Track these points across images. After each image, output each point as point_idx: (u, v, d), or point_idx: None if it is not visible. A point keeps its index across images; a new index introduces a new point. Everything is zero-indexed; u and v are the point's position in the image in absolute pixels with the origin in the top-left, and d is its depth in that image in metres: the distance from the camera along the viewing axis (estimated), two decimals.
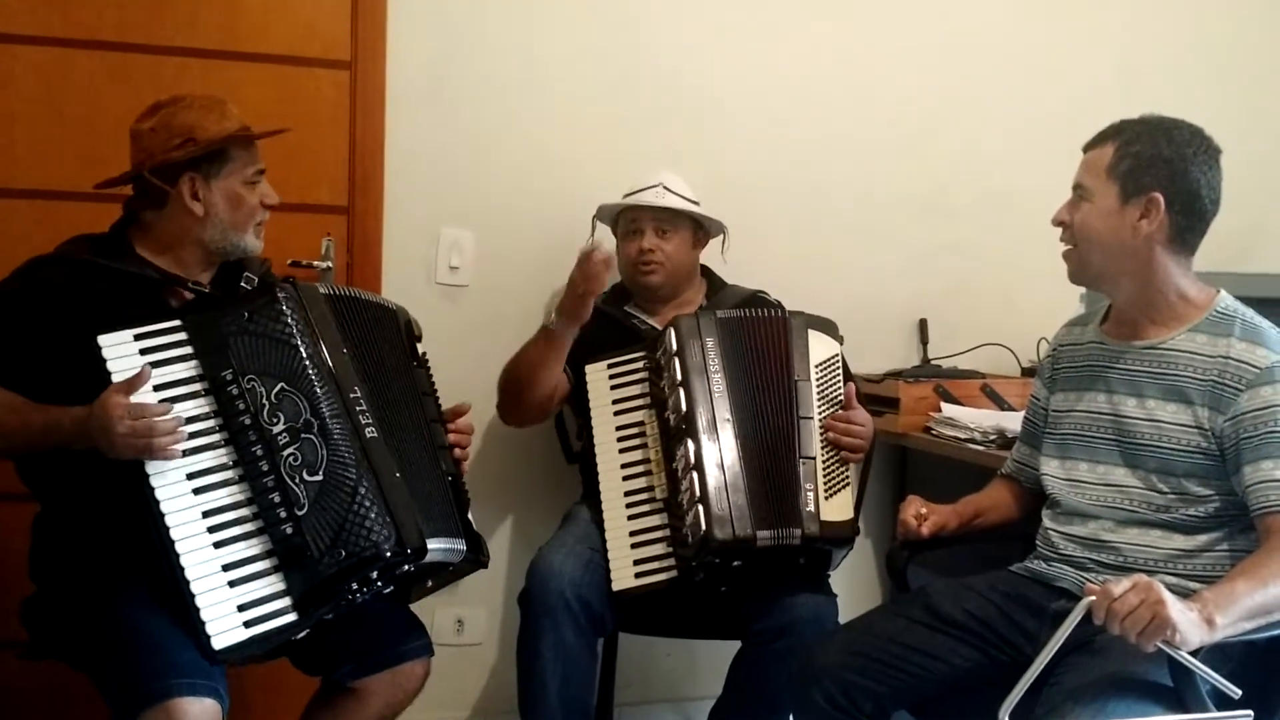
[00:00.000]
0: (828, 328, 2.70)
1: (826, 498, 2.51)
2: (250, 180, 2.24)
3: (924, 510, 2.31)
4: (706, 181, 2.99)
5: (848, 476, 2.57)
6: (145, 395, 1.98)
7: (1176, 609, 1.72)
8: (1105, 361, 2.21)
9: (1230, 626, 1.81)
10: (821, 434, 2.55)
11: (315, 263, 2.93)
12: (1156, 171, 2.08)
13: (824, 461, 2.54)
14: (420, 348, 2.40)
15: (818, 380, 2.60)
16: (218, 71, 2.84)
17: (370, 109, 2.96)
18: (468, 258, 3.07)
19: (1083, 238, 2.14)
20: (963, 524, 2.35)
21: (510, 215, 3.09)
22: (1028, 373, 3.23)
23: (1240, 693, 1.84)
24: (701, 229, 2.92)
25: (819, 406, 2.58)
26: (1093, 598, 1.78)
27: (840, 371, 2.66)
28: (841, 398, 2.61)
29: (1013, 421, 2.66)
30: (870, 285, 3.34)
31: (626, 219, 2.89)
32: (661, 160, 2.98)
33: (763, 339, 2.63)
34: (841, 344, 2.71)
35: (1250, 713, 1.69)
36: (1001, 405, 3.10)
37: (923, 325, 3.41)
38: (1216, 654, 1.93)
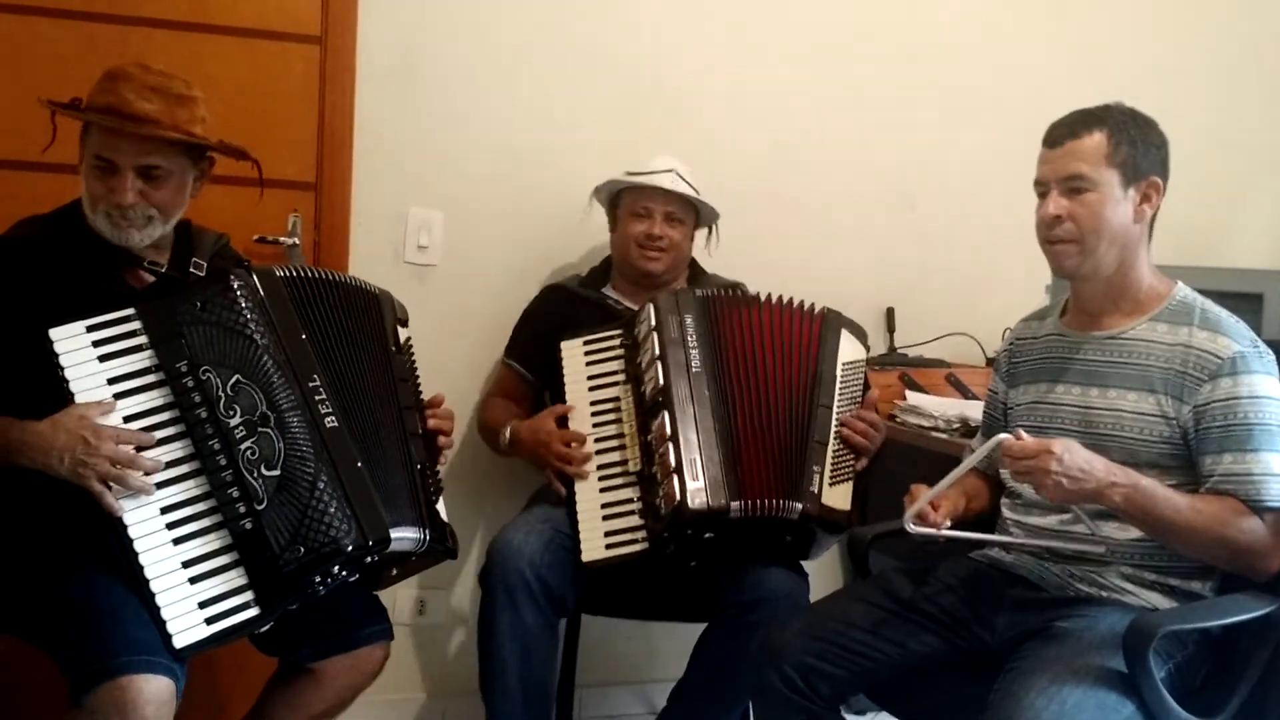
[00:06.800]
0: (859, 333, 2.73)
1: (831, 484, 2.51)
2: (94, 164, 2.11)
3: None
4: None
5: (852, 470, 2.57)
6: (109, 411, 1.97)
7: (1062, 467, 1.91)
8: (1065, 353, 2.22)
9: (1122, 506, 1.96)
10: (837, 427, 2.56)
11: (282, 239, 2.91)
12: (1151, 156, 2.10)
13: (834, 450, 2.54)
14: (404, 333, 2.37)
15: (841, 378, 2.61)
16: (185, 44, 2.81)
17: (340, 85, 2.93)
18: (436, 238, 3.06)
19: (1090, 229, 2.09)
20: (967, 509, 2.31)
21: (480, 196, 3.08)
22: (992, 363, 3.25)
23: (1105, 548, 2.08)
24: (696, 219, 2.92)
25: (839, 402, 2.59)
26: (1006, 436, 1.97)
27: (863, 376, 2.68)
28: (859, 399, 2.63)
29: (976, 410, 2.68)
30: (838, 274, 3.34)
31: (633, 200, 2.86)
32: (630, 150, 2.96)
33: (776, 322, 2.64)
34: (869, 352, 2.75)
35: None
36: (965, 394, 3.12)
37: (889, 314, 3.42)
38: (1172, 641, 1.96)
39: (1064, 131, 2.13)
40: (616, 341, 2.67)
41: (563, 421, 2.65)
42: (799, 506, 2.47)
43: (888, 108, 3.40)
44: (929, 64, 3.43)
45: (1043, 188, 2.15)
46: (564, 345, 2.70)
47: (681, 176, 2.85)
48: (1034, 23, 3.53)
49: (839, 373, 2.61)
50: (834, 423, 2.56)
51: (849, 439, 2.56)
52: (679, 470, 2.45)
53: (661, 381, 2.52)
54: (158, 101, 2.11)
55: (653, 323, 2.59)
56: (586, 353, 2.69)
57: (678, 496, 2.43)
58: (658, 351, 2.55)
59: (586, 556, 2.52)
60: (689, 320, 2.59)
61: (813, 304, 2.70)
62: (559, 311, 2.90)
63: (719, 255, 3.03)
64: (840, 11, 3.36)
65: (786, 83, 3.31)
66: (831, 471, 2.52)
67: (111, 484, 1.93)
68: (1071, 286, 2.25)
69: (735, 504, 2.45)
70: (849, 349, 2.66)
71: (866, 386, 2.68)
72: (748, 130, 3.28)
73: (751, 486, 2.48)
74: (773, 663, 2.17)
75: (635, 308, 2.77)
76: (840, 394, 2.60)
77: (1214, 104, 3.63)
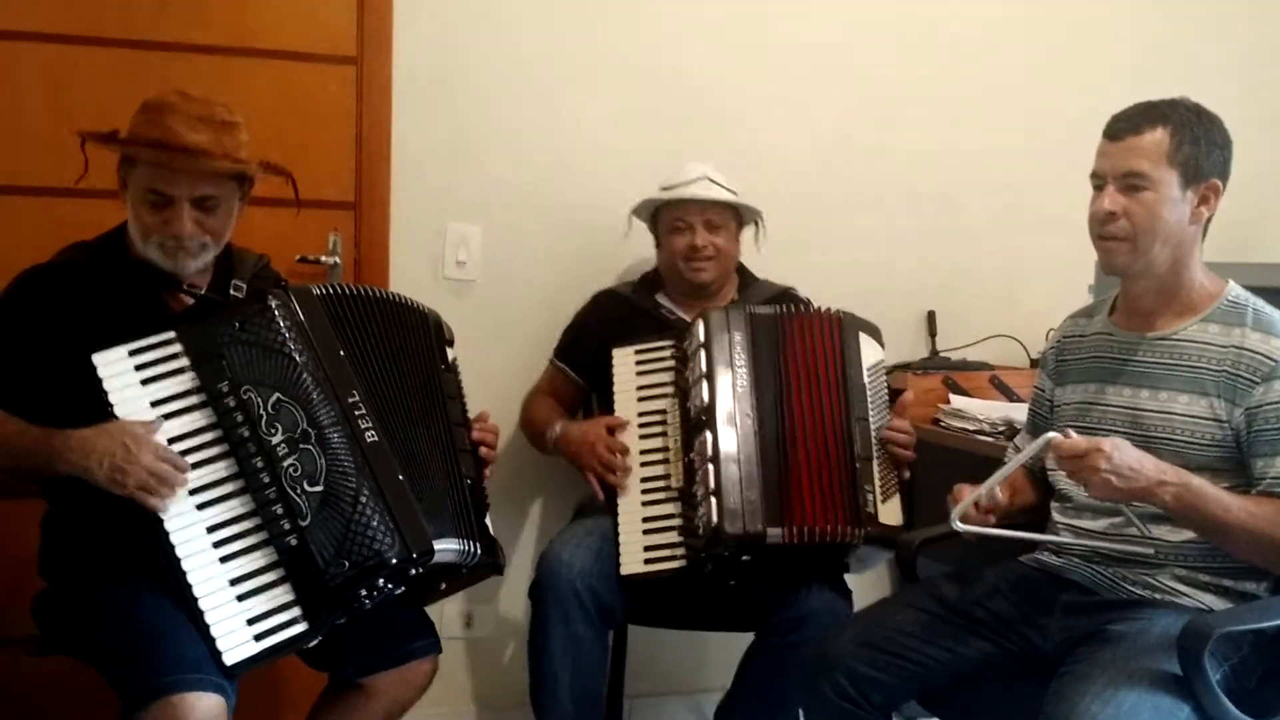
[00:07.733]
0: (874, 333, 2.69)
1: (883, 501, 2.49)
2: (146, 198, 2.13)
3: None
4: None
5: (897, 483, 2.55)
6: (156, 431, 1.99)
7: (1112, 465, 1.88)
8: (1115, 353, 2.19)
9: (1172, 505, 1.93)
10: (878, 442, 2.53)
11: (323, 258, 2.93)
12: (1213, 157, 2.06)
13: (879, 465, 2.52)
14: (451, 353, 2.39)
15: (870, 385, 2.58)
16: (223, 68, 2.84)
17: (376, 105, 2.96)
18: (475, 253, 3.07)
19: (1145, 229, 2.05)
20: (1010, 503, 2.24)
21: (517, 210, 3.09)
22: (1036, 364, 3.22)
23: (1153, 549, 2.05)
24: (738, 219, 2.89)
25: (873, 412, 2.56)
26: (1054, 434, 1.94)
27: (885, 378, 2.65)
28: (885, 403, 2.60)
29: (1021, 413, 2.65)
30: (878, 277, 3.33)
31: (671, 214, 2.83)
32: (666, 159, 2.95)
33: (799, 336, 2.60)
34: (883, 350, 2.72)
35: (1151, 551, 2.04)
36: (1010, 396, 3.10)
37: (931, 317, 3.40)
38: (1227, 643, 1.94)
39: (1125, 125, 2.07)
40: (668, 353, 2.66)
41: (613, 431, 2.65)
42: (861, 532, 2.45)
43: (926, 107, 3.39)
44: (968, 62, 3.42)
45: (1099, 181, 2.10)
46: (616, 353, 2.70)
47: (715, 181, 2.81)
48: (1077, 21, 3.50)
49: (866, 380, 2.58)
50: (873, 436, 2.53)
51: (893, 453, 2.54)
52: (718, 492, 2.43)
53: (706, 400, 2.51)
54: (206, 132, 2.13)
55: (702, 339, 2.57)
56: (638, 362, 2.68)
57: (715, 519, 2.41)
58: (704, 369, 2.53)
59: (625, 570, 2.52)
60: (738, 338, 2.57)
61: (826, 308, 2.67)
62: (612, 317, 2.89)
63: (758, 260, 3.02)
64: (878, 9, 3.35)
65: (823, 85, 3.30)
66: (881, 488, 2.49)
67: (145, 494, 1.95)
68: (1121, 284, 2.21)
69: (774, 530, 2.43)
70: (869, 352, 2.63)
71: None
72: (785, 135, 3.28)
73: (797, 512, 2.45)
74: (825, 671, 2.16)
75: (688, 318, 2.76)
76: (872, 403, 2.57)
77: (1256, 100, 3.58)
